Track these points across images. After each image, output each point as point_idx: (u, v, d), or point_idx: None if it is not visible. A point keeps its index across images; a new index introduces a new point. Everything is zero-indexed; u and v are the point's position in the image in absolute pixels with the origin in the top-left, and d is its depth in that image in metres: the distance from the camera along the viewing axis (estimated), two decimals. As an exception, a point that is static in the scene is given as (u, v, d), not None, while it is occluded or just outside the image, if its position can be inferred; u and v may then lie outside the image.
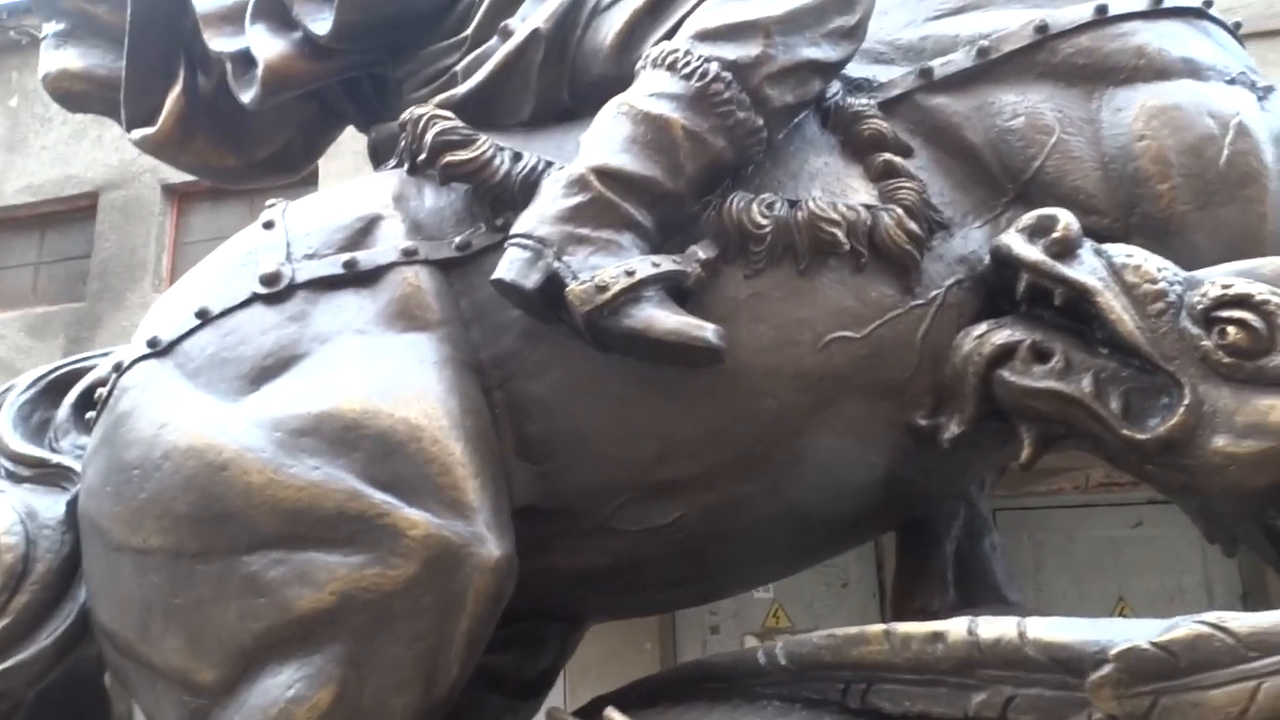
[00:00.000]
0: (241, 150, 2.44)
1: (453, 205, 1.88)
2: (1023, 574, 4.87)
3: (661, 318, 1.59)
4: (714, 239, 1.75)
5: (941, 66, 1.93)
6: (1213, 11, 2.06)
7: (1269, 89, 1.98)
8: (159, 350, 1.79)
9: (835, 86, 1.95)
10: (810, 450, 1.77)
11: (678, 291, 1.68)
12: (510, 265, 1.66)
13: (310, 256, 1.82)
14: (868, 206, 1.80)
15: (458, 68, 2.08)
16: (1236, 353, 1.51)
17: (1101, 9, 1.93)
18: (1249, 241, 1.78)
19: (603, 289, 1.58)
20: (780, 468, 1.77)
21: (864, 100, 1.91)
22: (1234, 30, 2.09)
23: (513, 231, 1.70)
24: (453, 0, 2.16)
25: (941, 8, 2.04)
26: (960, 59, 1.93)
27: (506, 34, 2.02)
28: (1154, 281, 1.59)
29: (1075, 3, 1.96)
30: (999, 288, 1.79)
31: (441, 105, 2.00)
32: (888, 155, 1.84)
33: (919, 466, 1.85)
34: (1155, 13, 1.94)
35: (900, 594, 2.08)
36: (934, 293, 1.80)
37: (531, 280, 1.63)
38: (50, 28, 2.51)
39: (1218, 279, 1.57)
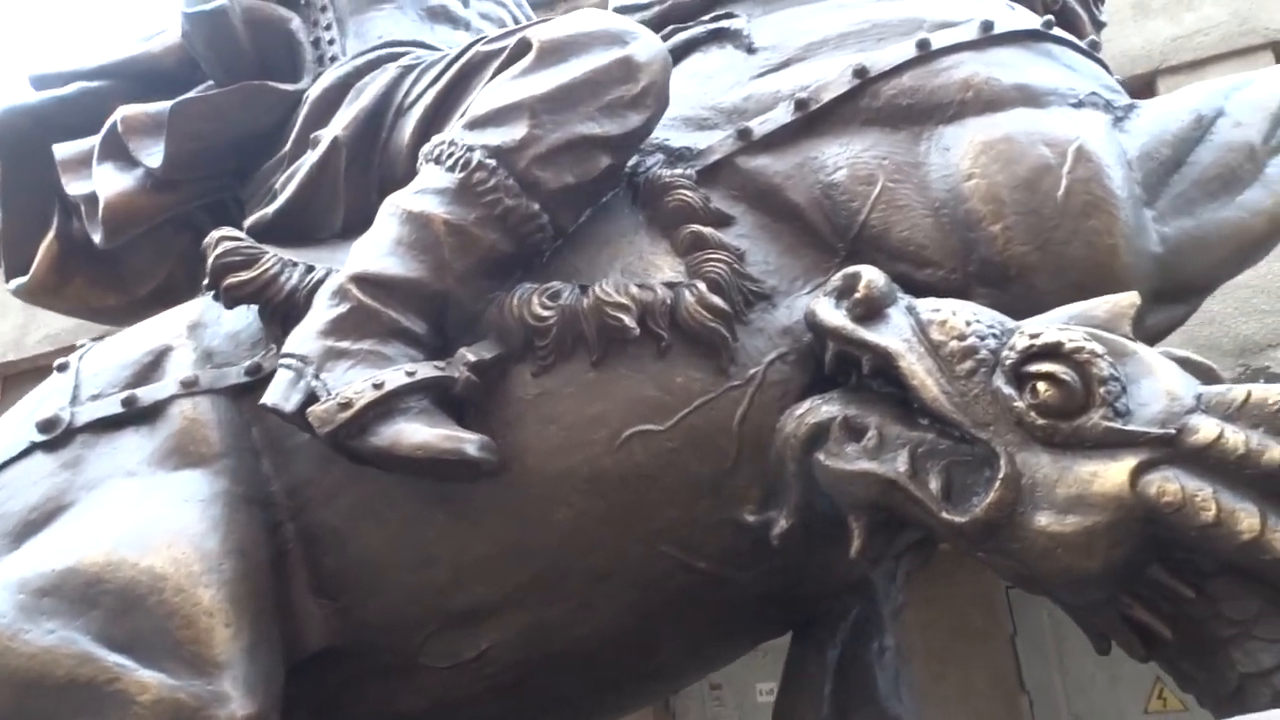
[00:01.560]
0: (123, 288, 2.42)
1: (249, 328, 1.80)
2: (1043, 657, 4.42)
3: (410, 432, 1.45)
4: (497, 337, 1.62)
5: (760, 125, 1.78)
6: (1057, 31, 1.87)
7: (1130, 107, 1.77)
8: None
9: (654, 159, 1.82)
10: (621, 561, 1.58)
11: (452, 398, 1.55)
12: (274, 387, 1.55)
13: (95, 397, 1.75)
14: (670, 284, 1.64)
15: (276, 184, 2.02)
16: (1050, 412, 1.28)
17: (923, 44, 1.76)
18: (1098, 278, 1.55)
19: (345, 406, 1.46)
20: (588, 584, 1.58)
21: (676, 171, 1.76)
22: (1087, 48, 1.89)
23: (282, 350, 1.59)
24: (283, 119, 2.12)
25: (765, 64, 1.90)
26: (780, 115, 1.78)
27: (314, 145, 1.96)
28: (962, 337, 1.38)
29: (898, 41, 1.80)
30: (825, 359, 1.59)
31: (253, 224, 1.95)
32: (695, 227, 1.68)
33: (763, 569, 1.63)
34: (985, 41, 1.76)
35: (781, 708, 1.83)
36: (752, 371, 1.61)
37: (292, 402, 1.52)
38: None
39: (1029, 327, 1.35)
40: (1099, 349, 1.28)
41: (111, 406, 1.71)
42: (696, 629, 1.69)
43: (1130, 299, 1.40)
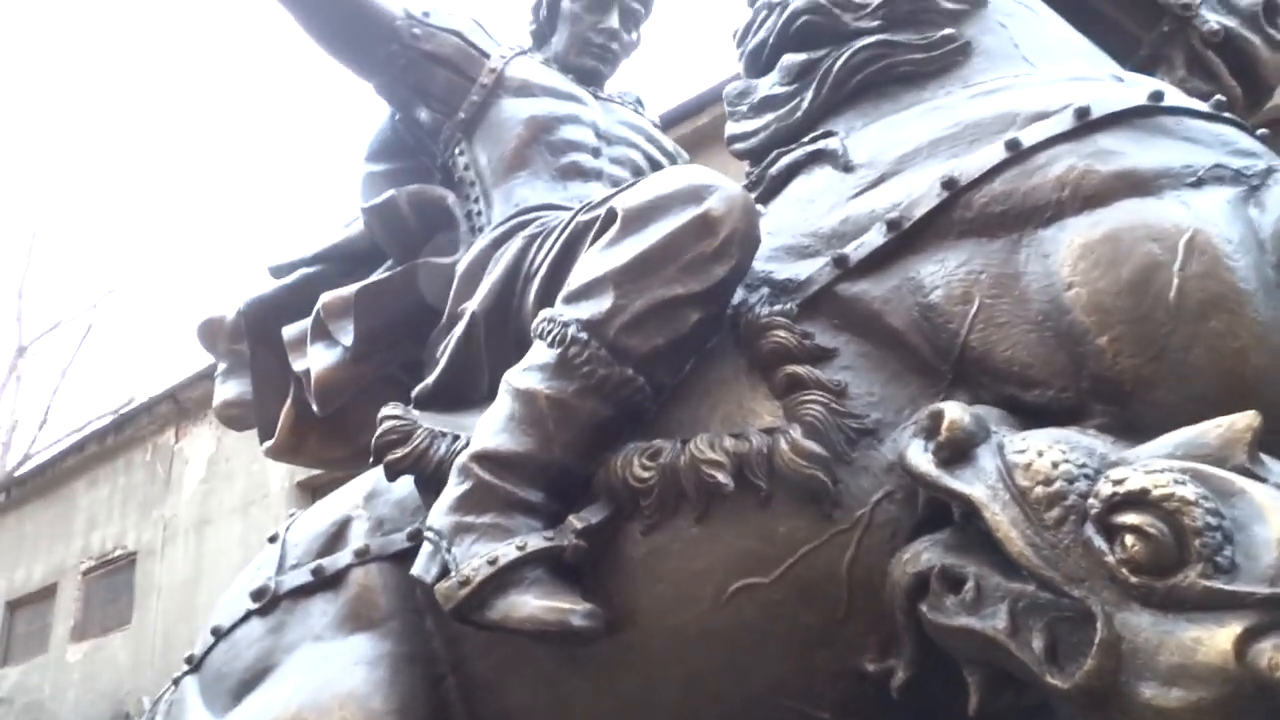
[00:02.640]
0: (348, 441, 2.78)
1: (412, 495, 2.01)
2: None
3: (520, 605, 1.57)
4: (606, 499, 1.71)
5: (856, 250, 1.76)
6: (1178, 98, 1.70)
7: (1269, 172, 1.56)
8: (193, 666, 2.07)
9: (759, 294, 1.85)
10: (745, 714, 1.59)
11: (566, 564, 1.65)
12: (419, 559, 1.74)
13: (295, 566, 2.03)
14: (767, 431, 1.66)
15: (437, 353, 2.26)
16: (1142, 569, 1.16)
17: (1013, 144, 1.67)
18: (1227, 386, 1.38)
19: (465, 583, 1.60)
20: None
21: (775, 308, 1.78)
22: (1213, 110, 1.69)
23: (425, 523, 1.78)
24: (445, 290, 2.38)
25: (861, 183, 1.87)
26: (874, 237, 1.75)
27: (460, 317, 2.18)
28: (1048, 482, 1.28)
29: (990, 143, 1.72)
30: (935, 494, 1.53)
31: (419, 393, 2.19)
32: (790, 368, 1.69)
33: (892, 717, 1.58)
34: (1082, 129, 1.63)
35: None
36: (858, 513, 1.58)
37: (431, 574, 1.70)
38: (219, 367, 3.11)
39: (1116, 471, 1.23)
40: (1192, 494, 1.14)
41: (304, 576, 1.98)
42: None
43: (1247, 420, 1.24)
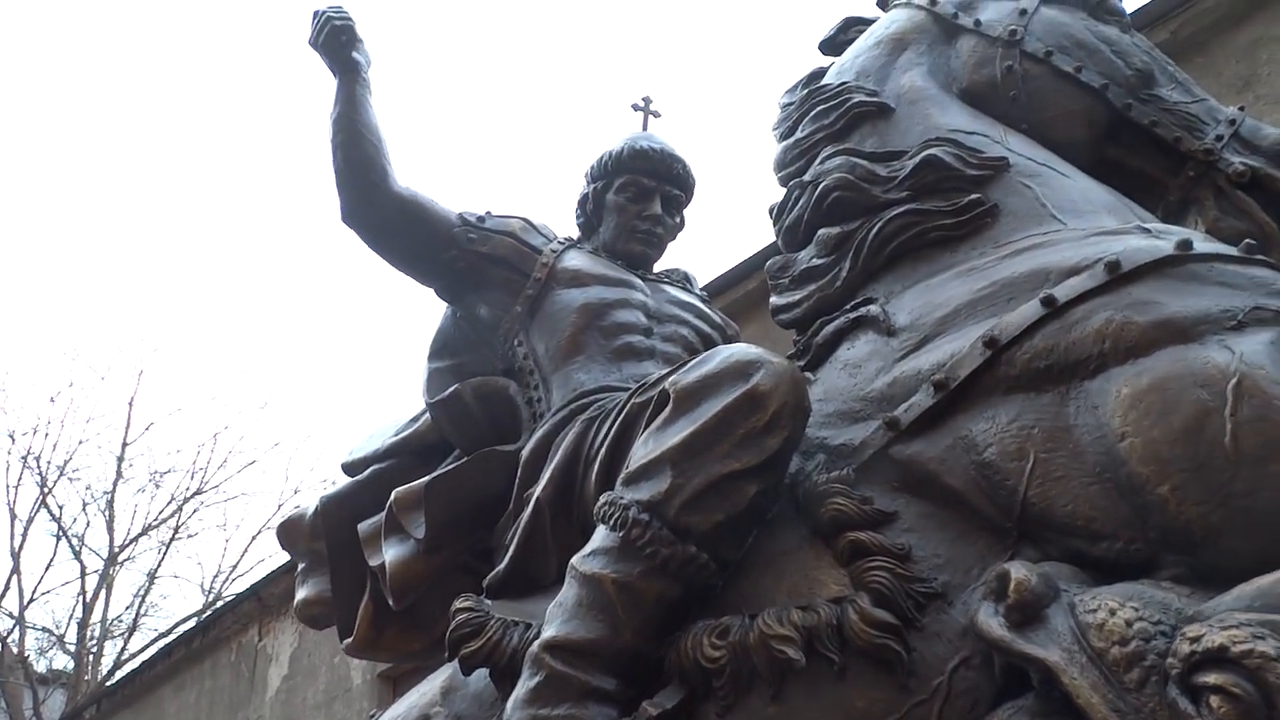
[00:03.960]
0: (426, 633, 2.80)
1: (489, 689, 2.01)
2: None
3: None
4: (679, 682, 1.69)
5: (906, 413, 1.80)
6: (1207, 245, 1.73)
7: None
8: None
9: (815, 461, 1.87)
10: None
11: None
12: None
13: None
14: (835, 601, 1.65)
15: (507, 540, 2.31)
16: (1237, 732, 1.11)
17: (1049, 300, 1.71)
18: None
19: None
20: None
21: (833, 474, 1.80)
22: (1244, 254, 1.72)
23: (501, 718, 1.78)
24: (512, 477, 2.45)
25: (905, 346, 1.93)
26: (922, 399, 1.79)
27: (527, 503, 2.23)
28: (1124, 641, 1.25)
29: (1027, 300, 1.77)
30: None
31: (490, 581, 2.22)
32: (853, 534, 1.70)
33: None
34: (1114, 282, 1.68)
35: None
36: (936, 682, 1.54)
37: None
38: (299, 566, 3.18)
39: (1192, 628, 1.20)
40: (1274, 649, 1.11)
41: None
42: None
43: None
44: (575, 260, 2.77)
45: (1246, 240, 1.82)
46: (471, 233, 2.73)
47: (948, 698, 1.52)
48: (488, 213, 2.83)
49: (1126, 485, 1.49)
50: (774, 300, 2.38)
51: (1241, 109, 2.28)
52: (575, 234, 3.01)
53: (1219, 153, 2.15)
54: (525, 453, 2.36)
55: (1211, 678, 1.13)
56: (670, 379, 1.94)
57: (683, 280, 3.02)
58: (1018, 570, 1.41)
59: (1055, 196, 2.06)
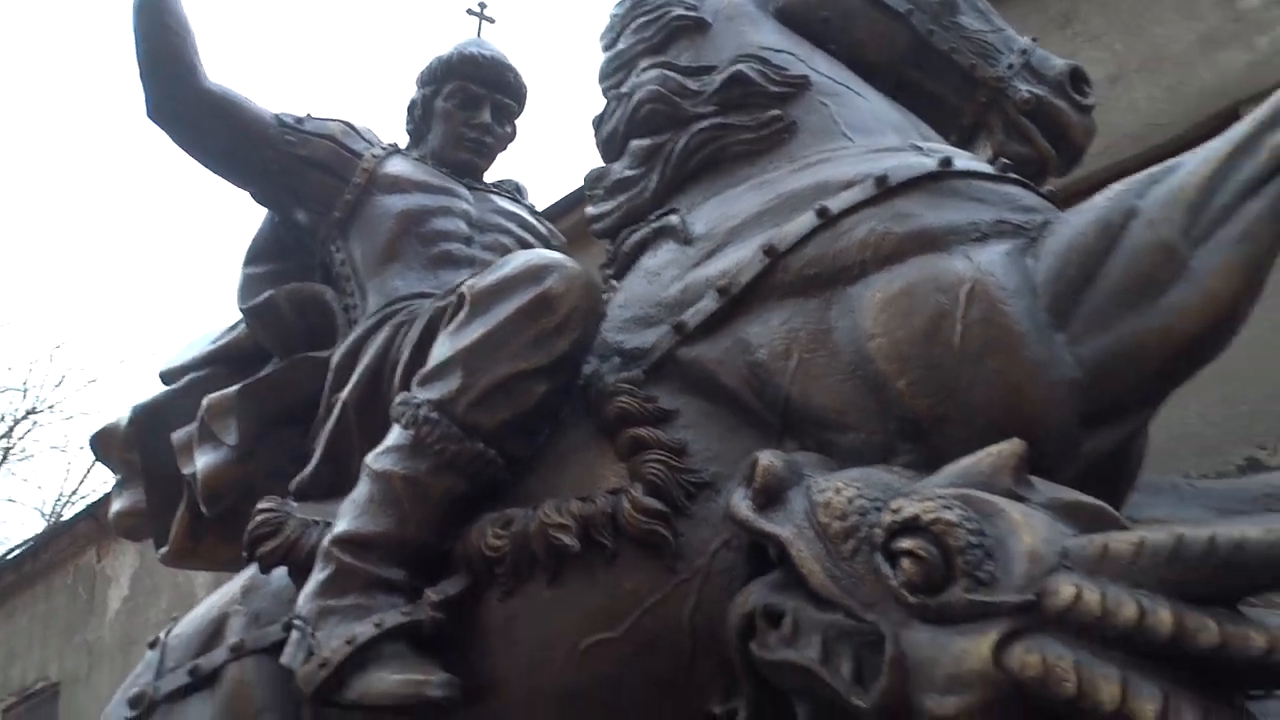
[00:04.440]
0: (241, 539, 2.79)
1: (289, 586, 2.05)
2: None
3: (376, 682, 1.61)
4: (465, 571, 1.77)
5: (693, 316, 1.89)
6: (966, 163, 1.88)
7: (1046, 224, 1.74)
8: None
9: (610, 363, 1.96)
10: (603, 769, 1.65)
11: (428, 637, 1.70)
12: (287, 648, 1.77)
13: (173, 669, 2.04)
14: (613, 492, 1.75)
15: (315, 444, 2.32)
16: (918, 589, 1.26)
17: (822, 211, 1.82)
18: (1010, 418, 1.51)
19: (324, 665, 1.64)
20: None
21: (623, 375, 1.89)
22: (999, 172, 1.88)
23: (294, 611, 1.82)
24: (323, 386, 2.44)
25: (700, 254, 2.01)
26: (707, 304, 1.88)
27: (333, 409, 2.25)
28: (844, 516, 1.39)
29: (805, 211, 1.88)
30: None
31: (298, 485, 2.23)
32: (633, 430, 1.79)
33: None
34: (882, 195, 1.80)
35: None
36: (699, 563, 1.67)
37: (298, 662, 1.73)
38: (115, 479, 3.10)
39: (896, 501, 1.35)
40: (956, 516, 1.26)
41: (182, 678, 1.99)
42: None
43: (1012, 448, 1.37)
44: (397, 166, 2.74)
45: (1002, 159, 1.98)
46: (289, 135, 2.66)
47: (708, 576, 1.65)
48: (307, 115, 2.76)
49: (873, 381, 1.63)
50: (589, 210, 2.43)
51: (1034, 40, 2.43)
52: (403, 141, 2.97)
53: (1009, 81, 2.29)
54: (336, 358, 2.37)
55: (905, 543, 1.28)
56: (468, 282, 1.98)
57: (513, 191, 3.02)
58: (765, 458, 1.54)
59: (849, 115, 2.17)
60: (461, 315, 1.91)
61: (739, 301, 1.84)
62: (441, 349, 1.89)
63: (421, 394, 1.85)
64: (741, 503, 1.55)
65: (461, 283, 2.11)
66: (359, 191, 2.64)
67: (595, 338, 1.94)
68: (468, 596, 1.75)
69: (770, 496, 1.51)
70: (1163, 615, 1.06)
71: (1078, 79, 2.35)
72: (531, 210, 3.03)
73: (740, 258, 1.89)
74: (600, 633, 1.66)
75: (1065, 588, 1.15)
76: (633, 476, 1.75)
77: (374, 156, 2.72)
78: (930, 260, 1.68)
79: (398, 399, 1.90)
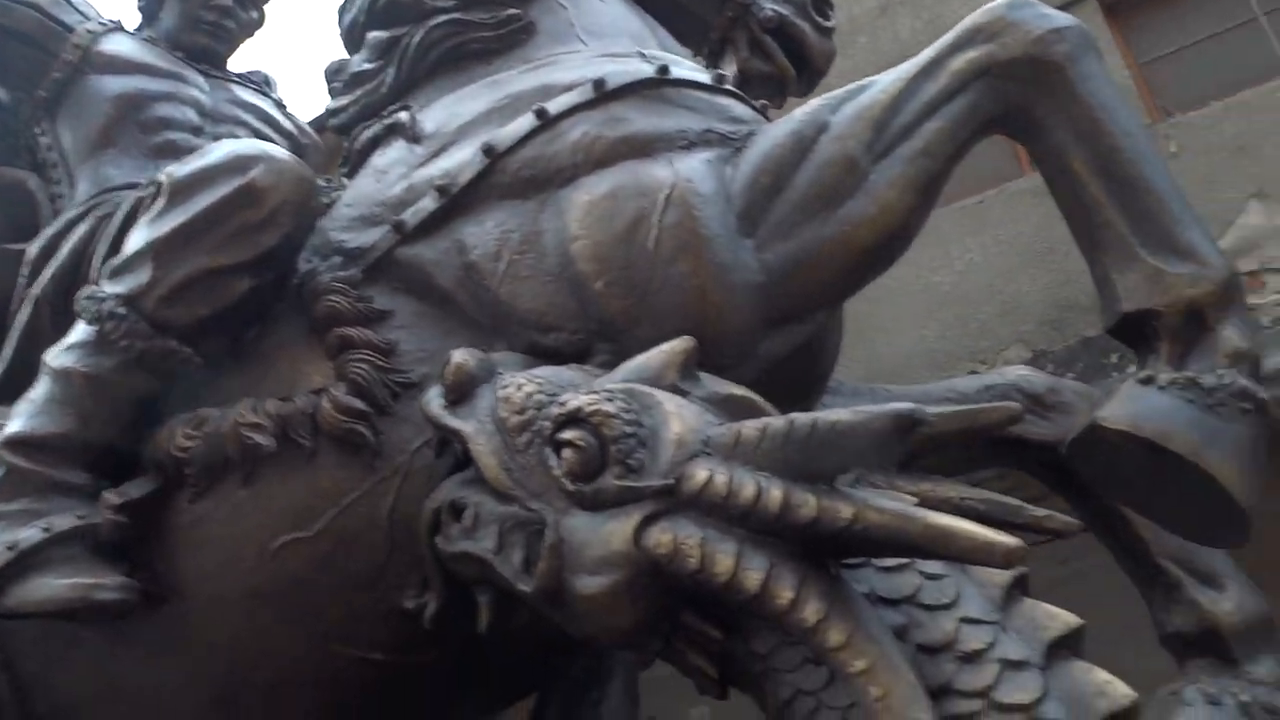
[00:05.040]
0: None
1: None
2: None
3: (36, 588, 1.53)
4: (155, 472, 1.69)
5: (413, 215, 1.85)
6: (683, 71, 1.91)
7: (750, 135, 1.80)
8: None
9: (331, 262, 1.89)
10: (296, 666, 1.64)
11: (111, 541, 1.62)
12: None
13: None
14: (315, 392, 1.71)
15: (5, 342, 2.14)
16: (577, 477, 1.31)
17: (541, 113, 1.81)
18: (694, 320, 1.58)
19: None
20: (265, 695, 1.64)
21: (340, 274, 1.83)
22: (714, 83, 1.93)
23: None
24: None
25: (427, 153, 1.96)
26: (427, 203, 1.85)
27: (24, 304, 2.07)
28: (521, 411, 1.42)
29: (527, 113, 1.86)
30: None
31: None
32: (340, 330, 1.75)
33: (450, 648, 1.67)
34: (600, 99, 1.81)
35: None
36: (398, 461, 1.67)
37: None
38: None
39: (565, 395, 1.38)
40: (614, 408, 1.31)
41: None
42: (402, 714, 1.73)
43: (680, 345, 1.43)
44: (119, 45, 2.50)
45: (718, 71, 2.02)
46: None
47: (408, 474, 1.65)
48: None
49: (575, 282, 1.66)
50: (328, 104, 2.32)
51: None
52: (132, 18, 2.72)
53: None
54: (33, 251, 2.17)
55: (568, 434, 1.32)
56: (167, 169, 1.85)
57: (261, 83, 2.84)
58: (458, 355, 1.54)
59: (585, 20, 2.15)
60: (159, 205, 1.79)
61: (458, 202, 1.82)
62: (134, 240, 1.77)
63: (109, 287, 1.73)
64: (434, 400, 1.55)
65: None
66: (69, 70, 2.41)
67: (309, 234, 1.86)
68: (156, 499, 1.68)
69: (461, 393, 1.51)
70: (774, 494, 1.15)
71: (821, 2, 2.42)
72: (279, 105, 2.86)
73: (463, 157, 1.86)
74: (294, 532, 1.64)
75: (700, 472, 1.22)
76: (337, 376, 1.71)
77: (89, 32, 2.47)
78: (636, 165, 1.71)
79: (82, 292, 1.77)
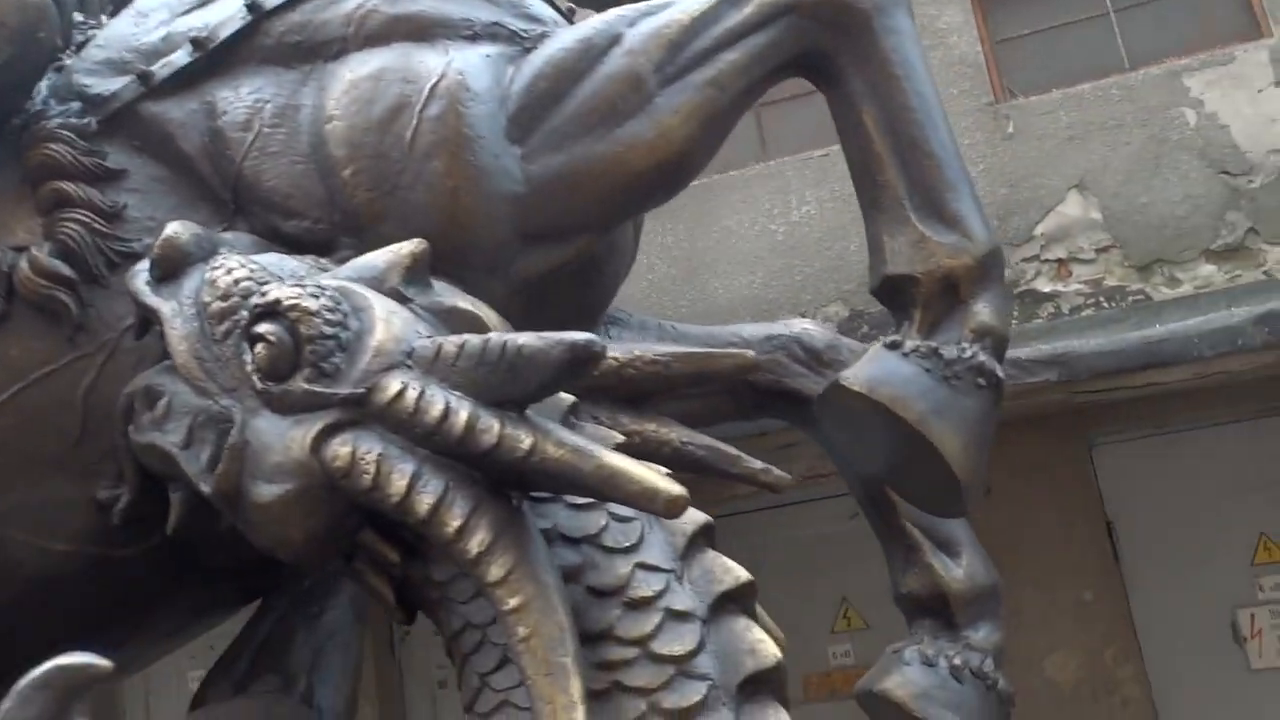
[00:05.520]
0: None
1: None
2: None
3: None
4: None
5: (162, 68, 1.66)
6: None
7: (543, 36, 1.68)
8: None
9: (69, 107, 1.67)
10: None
11: None
12: None
13: None
14: (17, 249, 1.52)
15: None
16: (267, 375, 1.20)
17: None
18: (443, 224, 1.48)
19: None
20: None
21: (72, 121, 1.62)
22: None
23: None
24: None
25: (193, 1, 1.76)
26: (180, 57, 1.66)
27: None
28: (225, 297, 1.29)
29: None
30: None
31: None
32: (57, 183, 1.56)
33: (151, 544, 1.54)
34: None
35: (209, 675, 1.75)
36: (105, 338, 1.51)
37: None
38: None
39: (272, 285, 1.26)
40: (316, 305, 1.20)
41: None
42: (86, 610, 1.60)
43: (410, 249, 1.32)
44: None
45: None
46: None
47: (114, 353, 1.50)
48: None
49: (324, 167, 1.52)
50: None
51: None
52: None
53: None
54: None
55: (263, 327, 1.20)
56: None
57: None
58: (172, 227, 1.38)
59: None
60: None
61: (215, 59, 1.64)
62: None
63: None
64: (140, 274, 1.39)
65: None
66: None
67: (39, 70, 1.65)
68: None
69: (169, 269, 1.37)
70: (461, 416, 1.08)
71: None
72: None
73: (227, 11, 1.67)
74: None
75: (393, 384, 1.13)
76: (46, 235, 1.53)
77: None
78: (409, 49, 1.58)
79: None
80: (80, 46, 1.78)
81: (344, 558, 1.21)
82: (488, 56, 1.59)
